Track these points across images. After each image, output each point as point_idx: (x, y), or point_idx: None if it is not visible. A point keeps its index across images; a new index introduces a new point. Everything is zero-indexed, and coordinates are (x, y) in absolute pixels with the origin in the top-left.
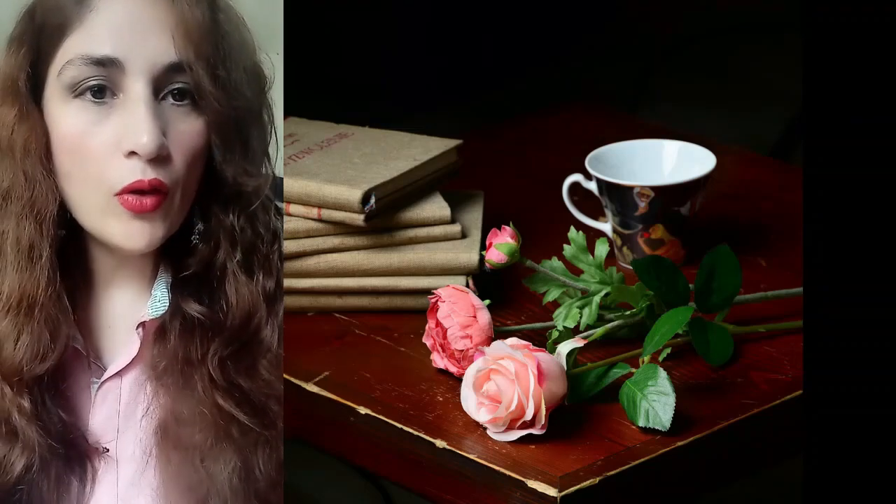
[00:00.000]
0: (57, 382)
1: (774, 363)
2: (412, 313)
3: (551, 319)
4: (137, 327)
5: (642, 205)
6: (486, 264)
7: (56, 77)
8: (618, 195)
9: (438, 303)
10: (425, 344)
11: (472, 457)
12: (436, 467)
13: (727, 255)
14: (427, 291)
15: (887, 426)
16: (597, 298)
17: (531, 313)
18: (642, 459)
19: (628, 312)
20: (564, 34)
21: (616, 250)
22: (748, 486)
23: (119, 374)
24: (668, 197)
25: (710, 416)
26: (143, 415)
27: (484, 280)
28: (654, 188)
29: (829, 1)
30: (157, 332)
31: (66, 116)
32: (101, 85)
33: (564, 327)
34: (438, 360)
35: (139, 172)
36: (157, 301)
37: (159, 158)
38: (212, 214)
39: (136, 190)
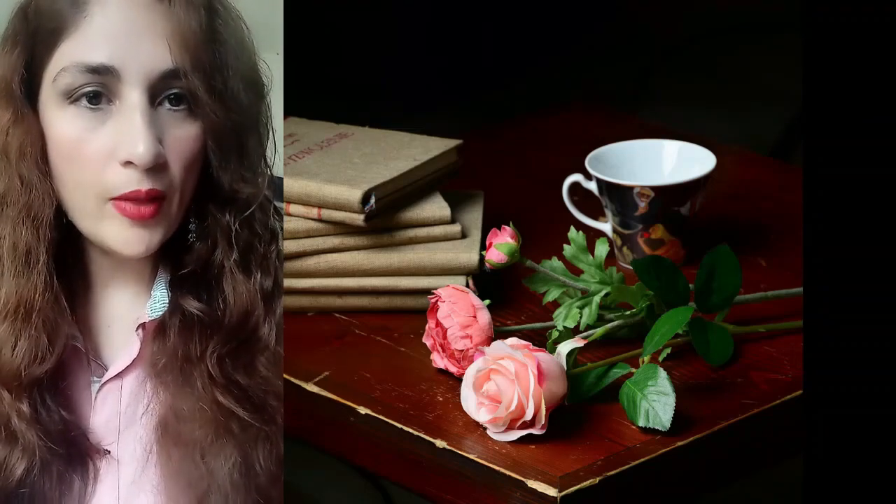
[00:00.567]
0: (57, 381)
1: (774, 363)
2: (412, 313)
3: (551, 319)
4: (137, 329)
5: (642, 205)
6: (486, 264)
7: (51, 83)
8: (618, 195)
9: (438, 303)
10: (425, 344)
11: (472, 457)
12: (436, 467)
13: (727, 255)
14: (427, 291)
15: (887, 426)
16: (597, 298)
17: (531, 313)
18: (642, 459)
19: (628, 312)
20: (564, 34)
21: (616, 250)
22: (748, 486)
23: (119, 375)
24: (668, 197)
25: (710, 416)
26: (144, 412)
27: (484, 280)
28: (654, 188)
29: (829, 1)
30: (156, 329)
31: (62, 122)
32: (97, 91)
33: (564, 327)
34: (438, 360)
35: (136, 182)
36: (156, 302)
37: (156, 167)
38: (208, 213)
39: (132, 199)
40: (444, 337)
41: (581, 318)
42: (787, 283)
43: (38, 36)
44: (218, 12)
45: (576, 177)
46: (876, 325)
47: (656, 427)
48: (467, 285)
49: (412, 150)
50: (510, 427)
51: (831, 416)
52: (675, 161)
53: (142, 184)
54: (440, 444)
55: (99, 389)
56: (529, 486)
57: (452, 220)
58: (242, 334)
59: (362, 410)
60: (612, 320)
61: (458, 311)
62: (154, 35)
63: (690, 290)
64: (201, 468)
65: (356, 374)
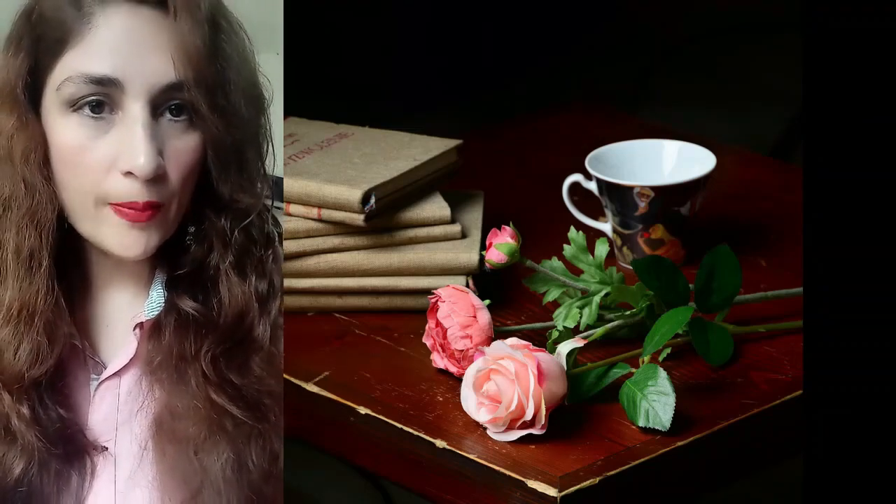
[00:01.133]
0: (55, 380)
1: (774, 363)
2: (412, 313)
3: (551, 319)
4: (135, 328)
5: (642, 205)
6: (486, 264)
7: (55, 91)
8: (618, 195)
9: (438, 303)
10: (425, 344)
11: (472, 457)
12: (436, 467)
13: (727, 255)
14: (427, 291)
15: (887, 426)
16: (597, 298)
17: (531, 313)
18: (642, 459)
19: (628, 312)
20: (564, 34)
21: (616, 250)
22: (748, 486)
23: (118, 373)
24: (668, 197)
25: (710, 416)
26: (139, 408)
27: (484, 280)
28: (654, 188)
29: (829, 1)
30: (152, 328)
31: (65, 129)
32: (100, 101)
33: (564, 327)
34: (438, 360)
35: (135, 194)
36: (153, 302)
37: (156, 178)
38: (205, 217)
39: (131, 208)
40: (444, 337)
41: (581, 318)
42: (787, 283)
43: (43, 43)
44: (221, 28)
45: (576, 177)
46: (876, 325)
47: (656, 427)
48: (467, 285)
49: (412, 150)
50: (510, 427)
51: (831, 416)
52: (675, 161)
53: (141, 195)
54: (440, 444)
55: (97, 387)
56: (529, 486)
57: (452, 220)
58: (237, 335)
59: (362, 410)
60: (612, 320)
61: (458, 311)
62: (158, 49)
63: (690, 290)
64: (195, 464)
65: (356, 374)
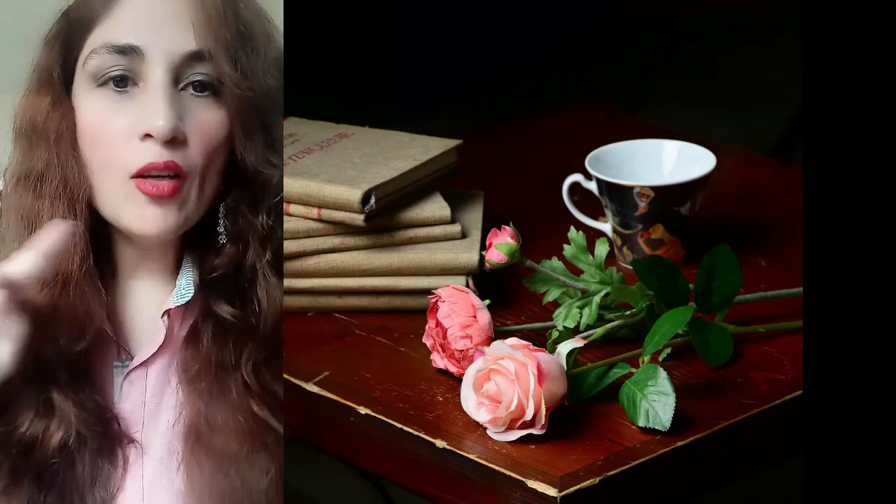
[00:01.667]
0: (89, 364)
1: (774, 363)
2: (412, 313)
3: (551, 319)
4: (163, 315)
5: (642, 205)
6: (486, 264)
7: (82, 67)
8: (618, 195)
9: (438, 303)
10: (425, 344)
11: (472, 457)
12: (436, 467)
13: (727, 255)
14: (427, 291)
15: (887, 426)
16: (597, 298)
17: (531, 313)
18: (642, 459)
19: (628, 312)
20: (564, 34)
21: (616, 250)
22: (748, 486)
23: (145, 363)
24: (668, 197)
25: (710, 416)
26: (176, 419)
27: (484, 280)
28: (654, 188)
29: (829, 1)
30: (189, 334)
31: (90, 104)
32: (123, 75)
33: (564, 327)
34: (438, 360)
35: (154, 155)
36: (181, 289)
37: (174, 142)
38: (239, 215)
39: (151, 172)
40: (444, 337)
41: (581, 318)
42: (787, 283)
43: (74, 27)
44: None
45: (576, 177)
46: (876, 325)
47: (656, 427)
48: (467, 285)
49: (412, 150)
50: (510, 427)
51: (831, 416)
52: (675, 161)
53: (160, 155)
54: (440, 444)
55: (125, 377)
56: (529, 486)
57: (452, 220)
58: (278, 340)
59: (362, 410)
60: (612, 320)
61: (458, 311)
62: (179, 19)
63: (690, 290)
64: (235, 482)
65: (356, 374)
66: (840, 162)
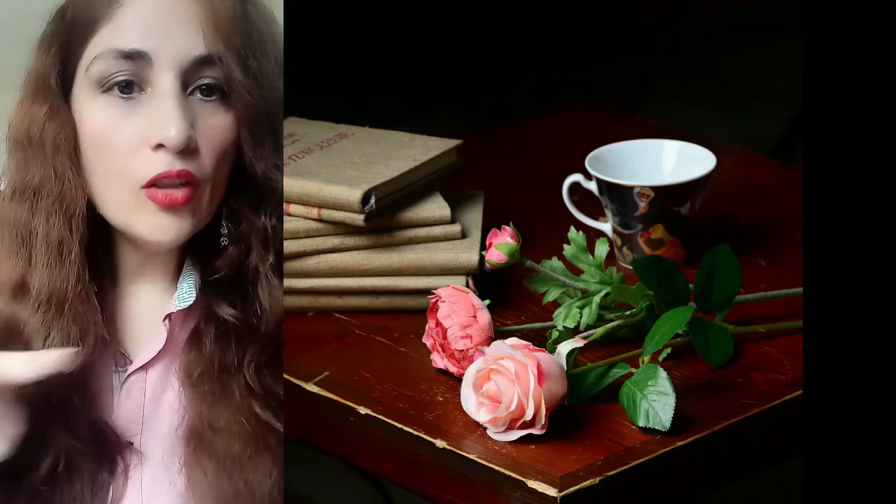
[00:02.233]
0: (83, 380)
1: (774, 363)
2: (412, 313)
3: (551, 319)
4: (164, 319)
5: (642, 205)
6: (486, 264)
7: (84, 73)
8: (618, 195)
9: (438, 303)
10: (425, 344)
11: (472, 457)
12: (436, 467)
13: (727, 255)
14: (427, 291)
15: (887, 426)
16: (597, 298)
17: (531, 313)
18: (642, 459)
19: (628, 312)
20: (564, 34)
21: (616, 250)
22: (748, 486)
23: (144, 367)
24: (668, 197)
25: (710, 416)
26: (179, 423)
27: (484, 280)
28: (654, 188)
29: (829, 1)
30: (191, 338)
31: (94, 112)
32: (129, 80)
33: (564, 327)
34: (438, 360)
35: (167, 164)
36: (183, 293)
37: (187, 151)
38: (242, 217)
39: (164, 182)
40: (444, 337)
41: (581, 318)
42: (787, 283)
43: (74, 30)
44: None
45: (576, 177)
46: (876, 325)
47: (656, 427)
48: (467, 285)
49: (412, 150)
50: (510, 427)
51: (831, 416)
52: (675, 161)
53: (173, 165)
54: (440, 444)
55: (124, 381)
56: (529, 486)
57: (452, 220)
58: (279, 342)
59: (362, 410)
60: (612, 320)
61: (458, 311)
62: (187, 21)
63: (690, 290)
64: (238, 483)
65: (356, 374)
66: (840, 162)
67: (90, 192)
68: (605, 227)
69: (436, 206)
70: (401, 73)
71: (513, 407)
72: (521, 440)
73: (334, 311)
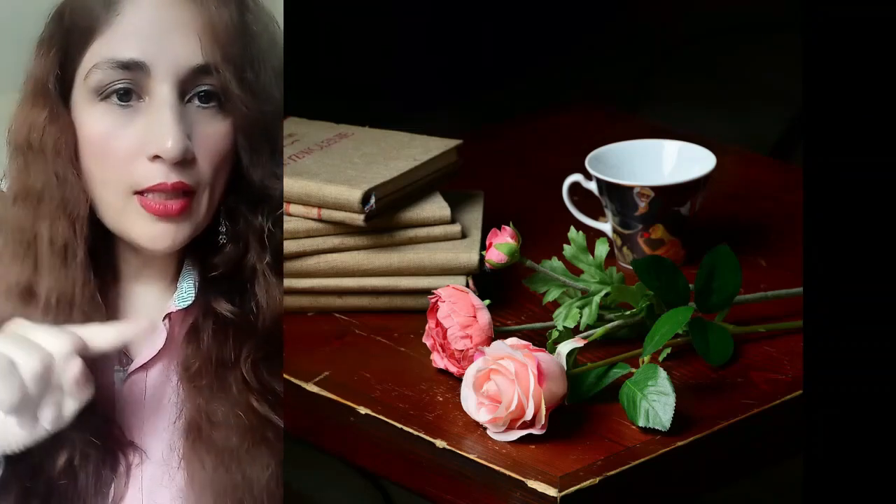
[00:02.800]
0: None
1: (774, 363)
2: (412, 313)
3: (551, 319)
4: (164, 318)
5: (642, 205)
6: (486, 264)
7: (83, 80)
8: (618, 195)
9: (438, 303)
10: (425, 344)
11: (472, 457)
12: (436, 467)
13: (727, 255)
14: (427, 291)
15: (887, 426)
16: (597, 298)
17: (531, 313)
18: (642, 459)
19: (628, 312)
20: (564, 34)
21: (616, 250)
22: (748, 486)
23: (145, 366)
24: (668, 197)
25: (710, 416)
26: (177, 417)
27: (484, 280)
28: (654, 188)
29: (829, 1)
30: (189, 332)
31: (92, 119)
32: (127, 88)
33: (564, 327)
34: (438, 360)
35: (163, 175)
36: (183, 293)
37: (184, 162)
38: (239, 216)
39: (159, 191)
40: (444, 337)
41: (581, 318)
42: (787, 283)
43: (72, 35)
44: (248, 6)
45: (576, 177)
46: (876, 325)
47: (656, 427)
48: (467, 285)
49: (412, 150)
50: (510, 427)
51: (831, 416)
52: (675, 161)
53: (168, 177)
54: (440, 444)
55: (125, 380)
56: (529, 486)
57: (452, 220)
58: (277, 339)
59: (362, 410)
60: (612, 320)
61: (458, 311)
62: (185, 31)
63: (690, 290)
64: (236, 476)
65: (356, 374)
66: (840, 162)
67: (90, 195)
68: (605, 227)
69: (436, 206)
70: (401, 73)
71: (513, 407)
72: (521, 440)
73: (334, 311)
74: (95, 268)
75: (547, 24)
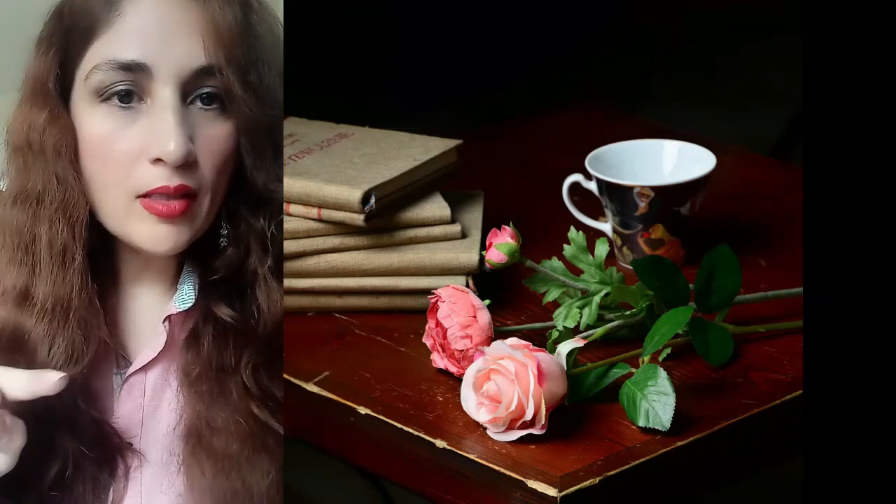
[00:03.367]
0: (86, 382)
1: (774, 363)
2: (412, 313)
3: (551, 319)
4: (164, 320)
5: (642, 205)
6: (486, 264)
7: (83, 81)
8: (618, 195)
9: (438, 303)
10: (425, 344)
11: (472, 457)
12: (436, 467)
13: (727, 255)
14: (427, 291)
15: (887, 426)
16: (597, 298)
17: (531, 313)
18: (642, 459)
19: (628, 312)
20: (564, 34)
21: (616, 250)
22: (748, 486)
23: (144, 368)
24: (668, 197)
25: (710, 416)
26: (176, 422)
27: (484, 280)
28: (654, 188)
29: (829, 1)
30: (189, 337)
31: (93, 120)
32: (128, 90)
33: (564, 327)
34: (438, 360)
35: (165, 179)
36: (183, 294)
37: (186, 165)
38: (240, 219)
39: (161, 194)
40: (444, 337)
41: (581, 318)
42: (787, 283)
43: (72, 35)
44: (252, 7)
45: (576, 177)
46: (876, 325)
47: (656, 427)
48: (467, 285)
49: (412, 150)
50: (510, 427)
51: (831, 416)
52: (675, 161)
53: (171, 180)
54: (440, 444)
55: (124, 382)
56: (529, 486)
57: (452, 220)
58: (277, 344)
59: (362, 410)
60: (612, 320)
61: (458, 311)
62: (188, 32)
63: (690, 290)
64: (236, 483)
65: (356, 374)
66: (840, 162)
67: (91, 197)
68: (605, 227)
69: (436, 206)
70: (401, 73)
71: (513, 407)
72: (521, 440)
73: (334, 311)
74: (94, 272)
75: (547, 24)
